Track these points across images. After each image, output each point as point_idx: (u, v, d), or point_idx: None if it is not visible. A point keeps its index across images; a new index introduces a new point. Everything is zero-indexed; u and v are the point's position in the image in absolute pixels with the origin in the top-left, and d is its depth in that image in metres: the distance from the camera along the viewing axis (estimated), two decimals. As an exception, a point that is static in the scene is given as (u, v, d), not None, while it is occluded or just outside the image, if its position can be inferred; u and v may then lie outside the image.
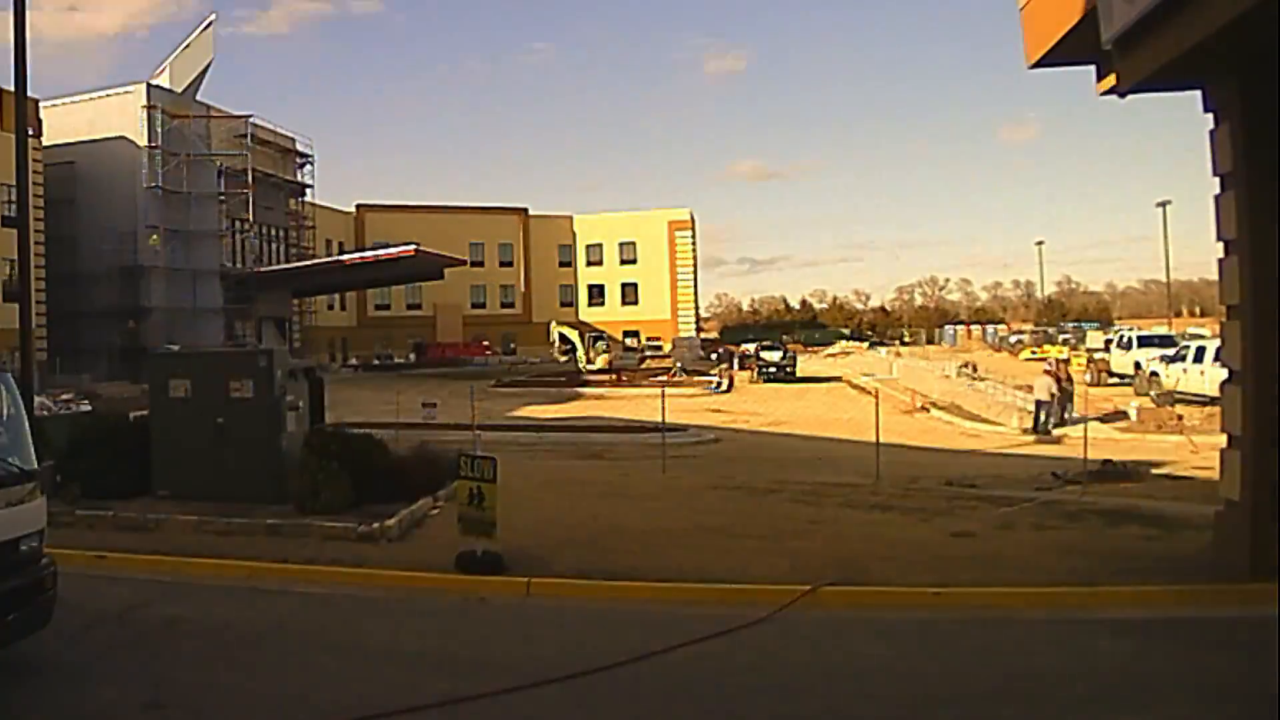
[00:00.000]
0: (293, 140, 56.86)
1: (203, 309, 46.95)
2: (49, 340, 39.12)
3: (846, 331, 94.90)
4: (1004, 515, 11.75)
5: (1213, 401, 21.32)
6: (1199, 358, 26.83)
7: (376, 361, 64.48)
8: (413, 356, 65.75)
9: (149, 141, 45.64)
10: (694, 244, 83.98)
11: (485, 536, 9.16)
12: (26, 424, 6.92)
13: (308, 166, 58.29)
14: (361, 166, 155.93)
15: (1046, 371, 25.56)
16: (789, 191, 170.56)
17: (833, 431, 27.63)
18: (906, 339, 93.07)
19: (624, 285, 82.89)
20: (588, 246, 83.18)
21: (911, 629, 7.82)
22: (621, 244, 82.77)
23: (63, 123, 44.23)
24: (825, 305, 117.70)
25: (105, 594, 8.72)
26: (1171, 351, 29.79)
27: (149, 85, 46.43)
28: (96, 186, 44.96)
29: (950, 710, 6.06)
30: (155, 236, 45.00)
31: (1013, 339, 69.47)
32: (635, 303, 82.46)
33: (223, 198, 48.71)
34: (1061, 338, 61.15)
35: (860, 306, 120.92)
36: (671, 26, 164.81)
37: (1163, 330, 43.72)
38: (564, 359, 49.98)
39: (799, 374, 46.21)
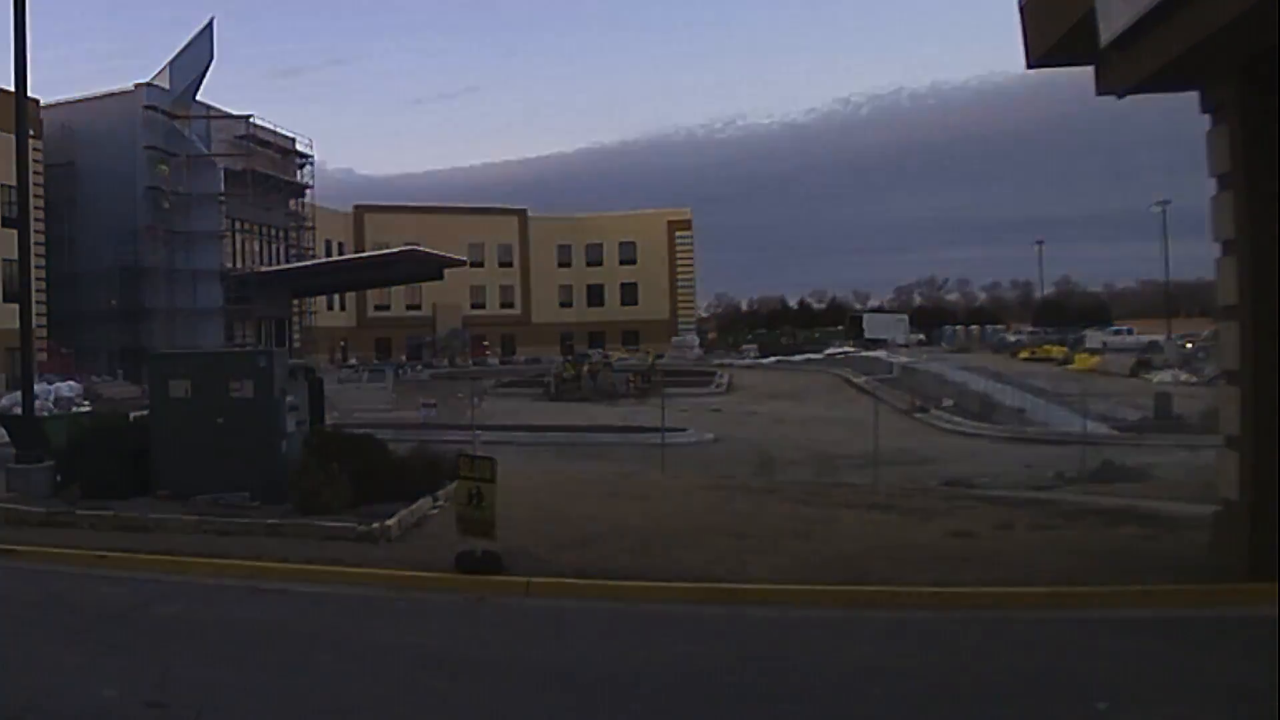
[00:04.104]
0: (292, 140, 56.82)
1: (203, 310, 46.93)
2: (49, 341, 39.11)
3: (840, 328, 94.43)
4: (1003, 515, 11.77)
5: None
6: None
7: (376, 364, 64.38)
8: (403, 358, 65.18)
9: (149, 142, 45.60)
10: (693, 243, 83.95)
11: (484, 536, 9.17)
12: None
13: (307, 167, 58.27)
14: (361, 167, 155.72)
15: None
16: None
17: (832, 432, 27.67)
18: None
19: (623, 285, 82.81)
20: (587, 246, 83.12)
21: (911, 629, 7.83)
22: (621, 244, 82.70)
23: (62, 122, 44.22)
24: (824, 305, 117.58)
25: (106, 594, 8.75)
26: None
27: (149, 86, 46.40)
28: (96, 187, 44.91)
29: (950, 710, 6.08)
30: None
31: (1011, 339, 69.48)
32: (635, 303, 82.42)
33: (222, 198, 48.67)
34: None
35: (859, 307, 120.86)
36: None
37: None
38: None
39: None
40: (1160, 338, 56.34)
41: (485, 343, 72.28)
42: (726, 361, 66.72)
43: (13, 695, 6.02)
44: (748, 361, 66.64)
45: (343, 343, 67.77)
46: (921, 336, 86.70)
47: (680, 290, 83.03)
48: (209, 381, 12.10)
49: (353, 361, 63.76)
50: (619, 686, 6.48)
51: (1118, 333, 63.16)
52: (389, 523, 10.56)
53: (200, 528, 10.76)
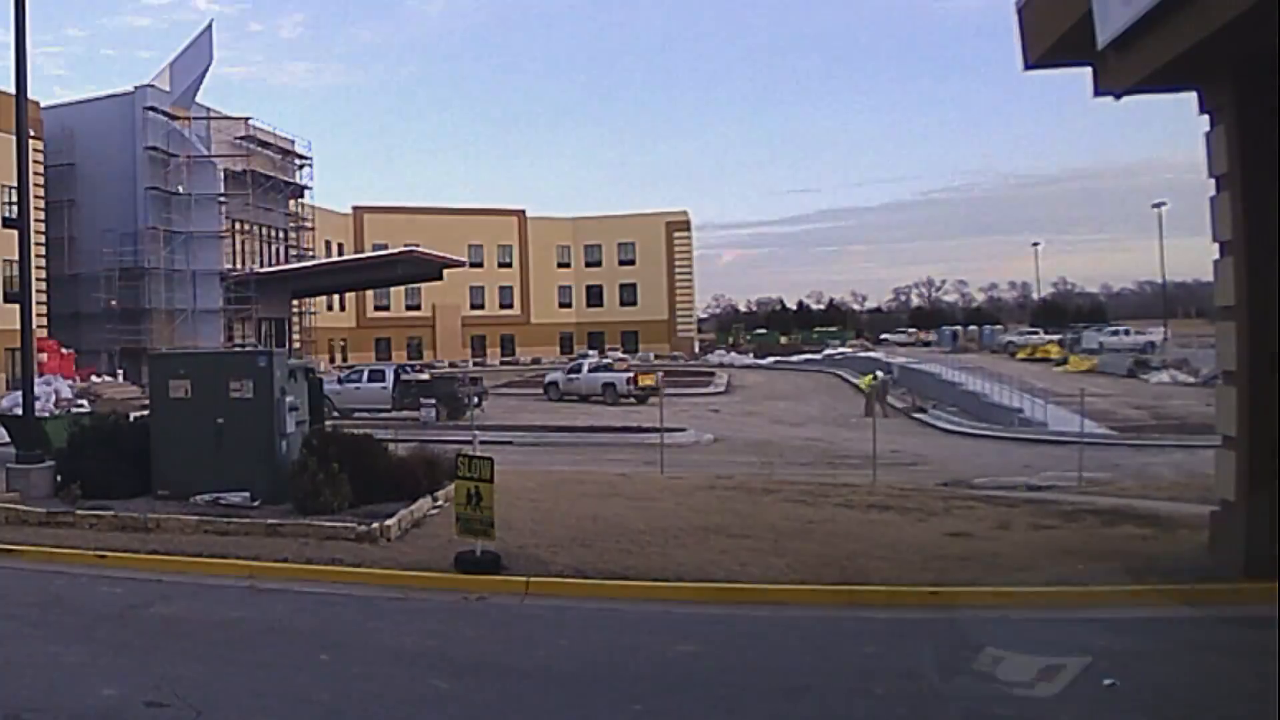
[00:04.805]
0: (291, 142, 56.84)
1: (203, 310, 46.96)
2: (50, 341, 39.08)
3: (834, 329, 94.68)
4: (1001, 515, 11.79)
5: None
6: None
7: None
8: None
9: (149, 143, 45.64)
10: (692, 244, 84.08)
11: (483, 536, 9.19)
12: None
13: (306, 168, 58.30)
14: (360, 168, 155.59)
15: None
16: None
17: (830, 432, 27.71)
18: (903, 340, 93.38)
19: (622, 286, 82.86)
20: (586, 247, 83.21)
21: (909, 628, 7.85)
22: (620, 245, 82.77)
23: (62, 123, 44.24)
24: (822, 306, 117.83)
25: (106, 593, 8.77)
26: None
27: (148, 87, 46.43)
28: (96, 188, 44.95)
29: (948, 709, 6.09)
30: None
31: (1006, 339, 69.48)
32: (634, 303, 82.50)
33: (223, 199, 48.70)
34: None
35: (857, 308, 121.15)
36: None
37: None
38: None
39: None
40: (1157, 338, 56.37)
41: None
42: (726, 362, 66.86)
43: (13, 695, 6.04)
44: (746, 362, 66.72)
45: (343, 341, 67.78)
46: (931, 337, 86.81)
47: (679, 291, 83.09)
48: (209, 381, 12.10)
49: (350, 364, 63.71)
50: (619, 686, 6.49)
51: (1115, 333, 63.12)
52: (388, 523, 10.57)
53: (200, 528, 10.77)
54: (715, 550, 9.93)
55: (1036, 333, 71.70)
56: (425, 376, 35.82)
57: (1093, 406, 25.42)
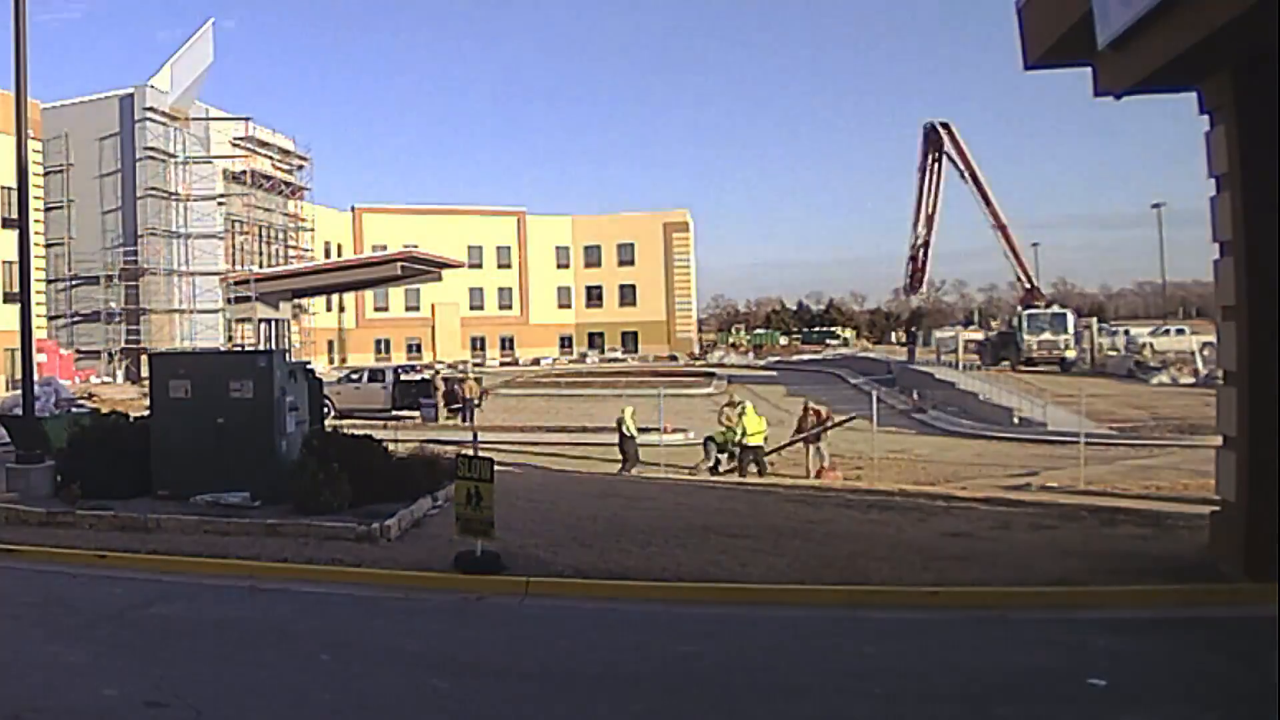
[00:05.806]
0: (291, 141, 56.93)
1: (203, 310, 47.00)
2: (49, 341, 39.13)
3: (834, 329, 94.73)
4: (1001, 515, 11.80)
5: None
6: None
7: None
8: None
9: (149, 144, 45.67)
10: (691, 245, 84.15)
11: (483, 536, 9.19)
12: None
13: (306, 168, 58.35)
14: (360, 168, 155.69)
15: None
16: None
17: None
18: (902, 340, 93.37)
19: (621, 286, 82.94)
20: (585, 248, 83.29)
21: (909, 628, 7.85)
22: (619, 245, 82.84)
23: (62, 124, 44.28)
24: (822, 306, 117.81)
25: (105, 593, 8.77)
26: None
27: (148, 87, 46.47)
28: (96, 188, 45.06)
29: (948, 709, 6.09)
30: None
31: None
32: (633, 304, 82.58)
33: (222, 200, 48.75)
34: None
35: (857, 308, 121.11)
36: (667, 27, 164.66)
37: None
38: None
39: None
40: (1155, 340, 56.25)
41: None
42: (728, 362, 66.97)
43: (13, 695, 6.04)
44: (744, 363, 66.83)
45: (342, 341, 67.82)
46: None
47: (678, 291, 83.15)
48: (209, 381, 12.10)
49: (350, 366, 63.56)
50: (619, 686, 6.49)
51: (1114, 333, 63.03)
52: (388, 523, 10.57)
53: (200, 528, 10.77)
54: (715, 550, 9.93)
55: None
56: (425, 376, 35.82)
57: (1092, 406, 25.40)
